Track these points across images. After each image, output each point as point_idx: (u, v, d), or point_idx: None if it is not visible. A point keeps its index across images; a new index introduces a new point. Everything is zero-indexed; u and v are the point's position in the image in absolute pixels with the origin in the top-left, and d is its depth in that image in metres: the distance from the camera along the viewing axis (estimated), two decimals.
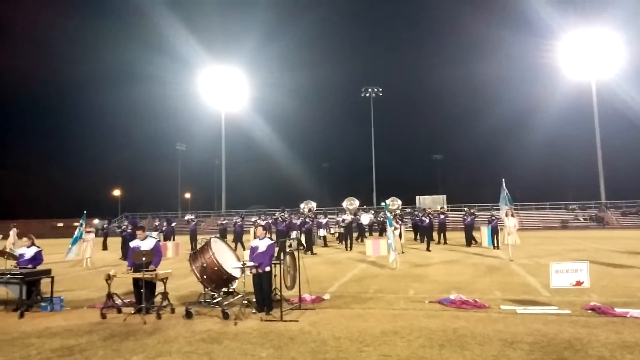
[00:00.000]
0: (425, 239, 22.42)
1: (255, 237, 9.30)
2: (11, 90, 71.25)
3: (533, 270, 13.17)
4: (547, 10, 55.69)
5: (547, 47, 54.85)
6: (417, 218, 26.76)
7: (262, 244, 8.76)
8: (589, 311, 7.98)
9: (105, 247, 27.31)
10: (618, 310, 7.87)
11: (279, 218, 21.79)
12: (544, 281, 10.26)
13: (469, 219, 22.97)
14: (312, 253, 20.41)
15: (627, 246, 21.15)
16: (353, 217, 27.19)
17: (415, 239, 26.64)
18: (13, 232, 21.43)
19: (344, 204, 36.81)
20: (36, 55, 76.97)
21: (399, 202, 36.92)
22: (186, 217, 30.21)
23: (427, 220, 22.70)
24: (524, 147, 66.22)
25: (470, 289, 10.52)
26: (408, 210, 33.76)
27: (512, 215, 15.93)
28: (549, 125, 60.19)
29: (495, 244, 20.61)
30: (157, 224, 28.34)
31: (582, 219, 47.24)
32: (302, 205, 35.94)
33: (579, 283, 8.38)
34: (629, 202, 49.89)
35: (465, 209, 24.57)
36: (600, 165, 52.35)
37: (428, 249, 20.56)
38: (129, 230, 21.43)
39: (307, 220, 22.11)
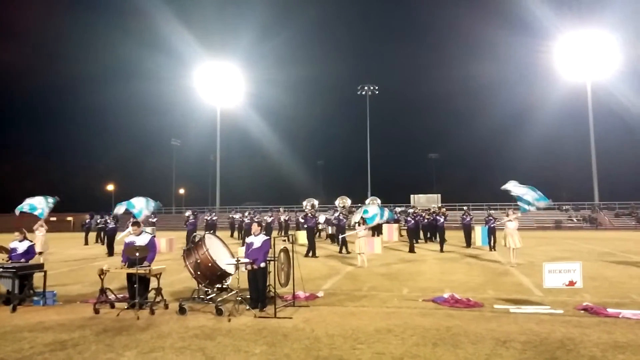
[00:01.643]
0: (439, 239, 20.77)
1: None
2: (7, 86, 70.87)
3: (526, 270, 13.22)
4: (543, 11, 55.84)
5: (543, 48, 55.04)
6: (428, 217, 24.64)
7: (257, 240, 8.74)
8: (582, 311, 8.02)
9: (86, 243, 27.08)
10: (610, 310, 7.91)
11: (309, 214, 21.19)
12: (537, 281, 10.31)
13: (467, 219, 22.04)
14: (347, 252, 18.89)
15: (620, 247, 21.27)
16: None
17: (426, 239, 24.57)
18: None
19: (336, 202, 37.01)
20: (32, 52, 76.70)
21: (348, 201, 37.57)
22: (186, 214, 30.24)
23: (442, 220, 21.36)
24: (519, 148, 66.41)
25: (463, 288, 10.55)
26: (402, 208, 33.52)
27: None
28: (544, 125, 60.37)
29: (492, 246, 19.70)
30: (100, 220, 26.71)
31: (575, 220, 47.43)
32: (304, 203, 36.29)
33: (571, 283, 8.42)
34: (622, 203, 50.12)
35: (465, 208, 24.02)
36: (594, 166, 52.54)
37: (441, 250, 19.39)
38: (111, 225, 21.40)
39: (342, 217, 21.02)
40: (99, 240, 27.10)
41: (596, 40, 50.92)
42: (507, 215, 15.13)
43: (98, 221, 26.63)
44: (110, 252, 19.89)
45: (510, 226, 14.78)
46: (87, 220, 30.33)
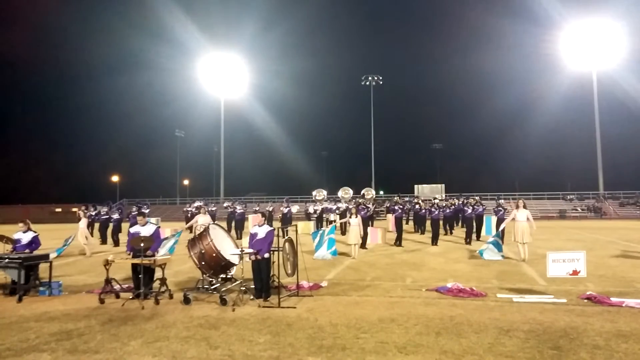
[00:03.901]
0: (466, 230, 19.73)
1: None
2: (11, 77, 71.09)
3: (530, 260, 13.20)
4: (548, 0, 55.37)
5: (548, 37, 54.64)
6: (452, 207, 23.59)
7: (261, 231, 8.76)
8: (585, 300, 8.03)
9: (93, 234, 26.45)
10: (614, 299, 7.91)
11: (362, 204, 20.52)
12: (541, 270, 10.32)
13: (479, 209, 20.19)
14: (400, 244, 17.85)
15: (624, 236, 21.21)
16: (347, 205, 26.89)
17: (446, 231, 23.40)
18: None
19: (339, 193, 37.21)
20: (36, 43, 76.74)
21: (350, 192, 37.34)
22: (195, 204, 30.21)
23: (470, 210, 20.11)
24: (523, 137, 66.47)
25: (467, 277, 10.57)
26: (423, 198, 32.23)
27: (524, 207, 14.03)
28: (549, 115, 60.33)
29: (501, 237, 18.57)
30: (93, 211, 24.19)
31: (579, 209, 47.32)
32: (314, 193, 36.59)
33: (575, 272, 8.41)
34: (627, 192, 49.98)
35: (477, 198, 22.74)
36: (599, 156, 52.32)
37: (468, 242, 18.36)
38: (115, 217, 21.46)
39: (397, 207, 19.91)
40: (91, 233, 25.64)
41: (602, 29, 50.44)
42: (517, 207, 13.99)
43: (91, 213, 24.27)
44: (104, 241, 20.47)
45: (521, 218, 13.72)
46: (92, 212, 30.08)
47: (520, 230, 13.48)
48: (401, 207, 20.33)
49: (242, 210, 25.74)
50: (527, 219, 13.60)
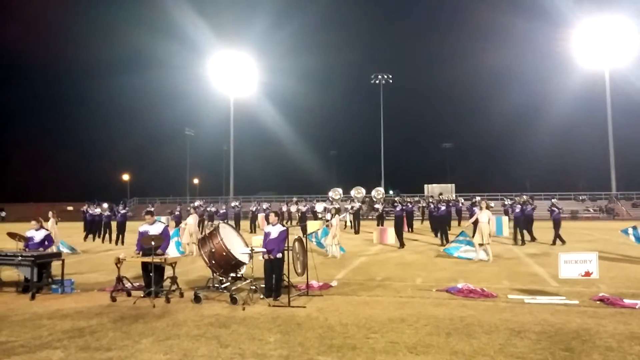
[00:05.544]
0: (513, 230, 18.62)
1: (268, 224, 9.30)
2: (22, 75, 71.77)
3: (541, 260, 13.12)
4: None
5: (560, 36, 54.11)
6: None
7: (275, 230, 8.78)
8: (598, 302, 7.96)
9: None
10: (627, 301, 7.83)
11: (396, 202, 20.40)
12: (553, 271, 10.23)
13: (529, 209, 18.69)
14: (446, 241, 17.48)
15: None
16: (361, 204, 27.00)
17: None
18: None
19: (352, 192, 37.22)
20: (47, 40, 77.37)
21: (363, 191, 37.49)
22: (196, 203, 30.21)
23: (517, 209, 18.61)
24: (534, 137, 65.85)
25: (477, 278, 10.51)
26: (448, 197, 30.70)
27: (487, 208, 13.85)
28: (561, 114, 59.66)
29: (555, 239, 17.69)
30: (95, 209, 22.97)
31: (591, 210, 46.89)
32: (330, 194, 36.50)
33: (587, 274, 8.35)
34: None
35: (525, 197, 20.55)
36: (612, 156, 51.74)
37: (522, 243, 17.51)
38: (106, 214, 21.48)
39: (431, 204, 19.74)
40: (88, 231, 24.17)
41: (614, 26, 49.91)
42: (481, 208, 13.91)
43: (85, 210, 24.18)
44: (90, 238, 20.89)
45: (483, 220, 13.36)
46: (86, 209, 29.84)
47: (483, 232, 13.27)
48: (445, 204, 19.93)
49: (224, 211, 25.88)
50: (489, 220, 13.53)
